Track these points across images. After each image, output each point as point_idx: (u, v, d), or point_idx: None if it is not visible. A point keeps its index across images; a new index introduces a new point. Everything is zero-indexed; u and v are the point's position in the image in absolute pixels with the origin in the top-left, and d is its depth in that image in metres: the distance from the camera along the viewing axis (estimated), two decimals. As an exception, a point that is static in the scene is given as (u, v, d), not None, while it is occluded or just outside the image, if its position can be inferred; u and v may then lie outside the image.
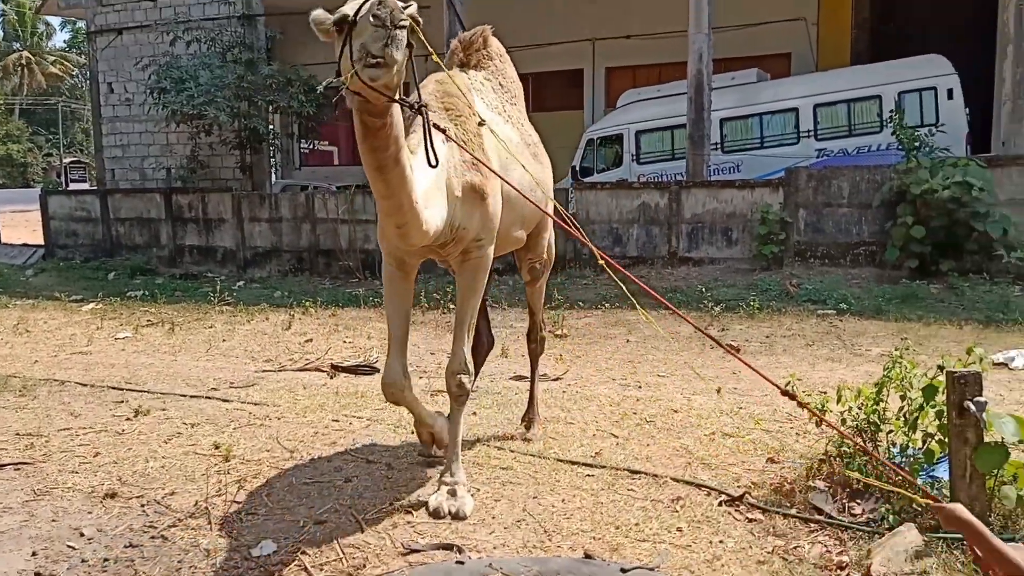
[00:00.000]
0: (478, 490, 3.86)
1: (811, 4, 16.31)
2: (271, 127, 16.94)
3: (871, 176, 11.28)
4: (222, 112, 15.05)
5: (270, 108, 16.19)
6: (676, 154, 14.32)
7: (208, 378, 6.84)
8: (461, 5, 13.39)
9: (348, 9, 2.92)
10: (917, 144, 11.15)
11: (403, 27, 2.82)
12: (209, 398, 6.03)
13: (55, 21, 55.48)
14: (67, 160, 50.53)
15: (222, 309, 10.92)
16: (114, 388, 6.41)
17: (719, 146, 14.08)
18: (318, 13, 3.05)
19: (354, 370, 7.14)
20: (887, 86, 13.09)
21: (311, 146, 21.54)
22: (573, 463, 4.30)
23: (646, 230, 12.45)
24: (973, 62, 13.78)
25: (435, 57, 3.44)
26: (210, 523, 3.53)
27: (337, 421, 5.27)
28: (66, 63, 56.89)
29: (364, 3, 2.87)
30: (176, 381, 6.72)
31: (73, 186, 37.00)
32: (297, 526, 3.51)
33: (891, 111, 12.49)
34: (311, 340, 8.71)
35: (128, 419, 5.36)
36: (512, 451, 4.51)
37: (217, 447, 4.56)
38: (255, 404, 5.79)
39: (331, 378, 6.86)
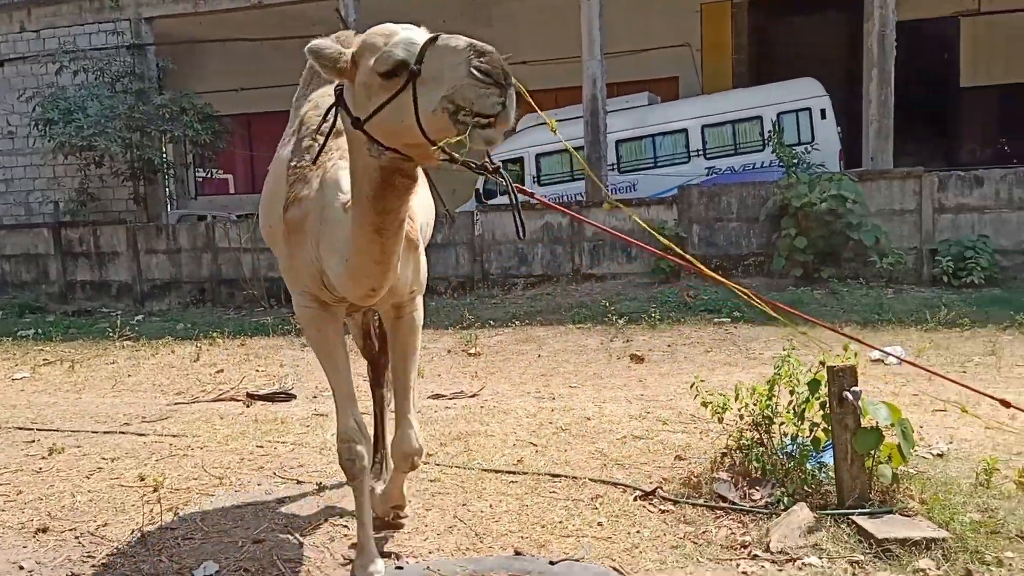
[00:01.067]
0: (409, 502, 4.04)
1: (695, 31, 17.24)
2: (165, 156, 16.62)
3: (756, 192, 12.04)
4: (114, 143, 14.71)
5: (164, 137, 15.91)
6: (575, 175, 14.85)
7: (118, 414, 6.74)
8: (354, 29, 13.56)
9: (400, 51, 2.38)
10: (796, 161, 12.00)
11: (512, 84, 2.29)
12: (123, 433, 5.98)
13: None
14: (-64, 195, 47.62)
15: (123, 344, 10.67)
16: (21, 428, 6.25)
17: (615, 167, 14.69)
18: (324, 45, 2.52)
19: (271, 398, 7.17)
20: (767, 107, 13.99)
21: (208, 175, 21.18)
22: (497, 471, 4.53)
23: (550, 249, 12.88)
24: (843, 84, 14.90)
25: (552, 126, 2.88)
26: (148, 550, 3.59)
27: (261, 447, 5.34)
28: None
29: (430, 45, 2.32)
30: (85, 418, 6.60)
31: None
32: (236, 546, 3.61)
33: (770, 131, 13.38)
34: (222, 371, 8.65)
35: (43, 457, 5.27)
36: (438, 464, 4.70)
37: (143, 479, 4.58)
38: (173, 436, 5.78)
39: (247, 407, 6.87)
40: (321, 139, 2.99)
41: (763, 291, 10.96)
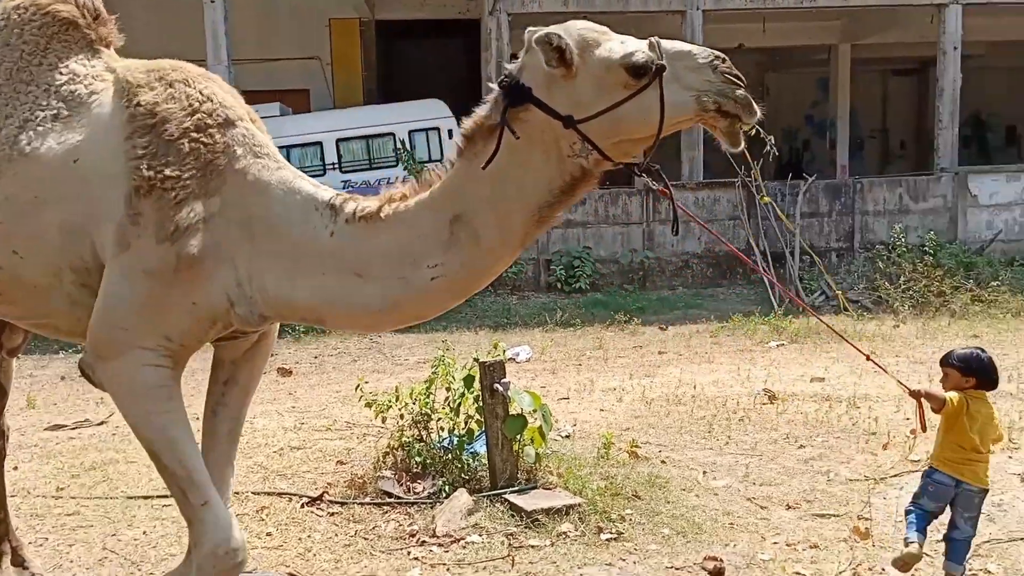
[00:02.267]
0: (46, 539, 3.59)
1: (324, 45, 17.37)
2: None
3: (395, 205, 12.52)
4: None
5: None
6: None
7: None
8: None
9: (647, 48, 2.26)
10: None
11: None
12: None
13: None
14: None
15: None
16: None
17: (248, 176, 14.27)
18: (556, 33, 2.23)
19: None
20: (398, 125, 14.63)
21: None
22: (146, 497, 4.20)
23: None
24: (469, 107, 16.13)
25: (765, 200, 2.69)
26: None
27: None
28: None
29: (659, 45, 2.25)
30: None
31: None
32: None
33: (401, 147, 14.07)
34: None
35: None
36: (73, 497, 4.23)
37: None
38: None
39: None
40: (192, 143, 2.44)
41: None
